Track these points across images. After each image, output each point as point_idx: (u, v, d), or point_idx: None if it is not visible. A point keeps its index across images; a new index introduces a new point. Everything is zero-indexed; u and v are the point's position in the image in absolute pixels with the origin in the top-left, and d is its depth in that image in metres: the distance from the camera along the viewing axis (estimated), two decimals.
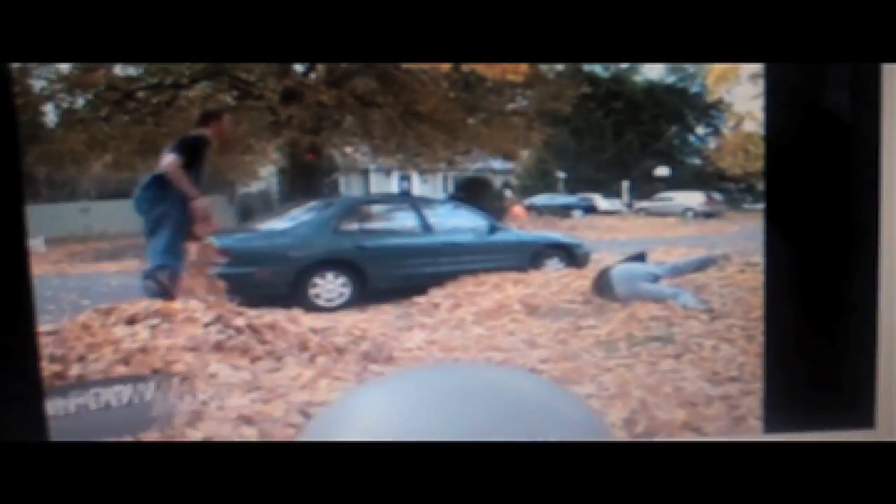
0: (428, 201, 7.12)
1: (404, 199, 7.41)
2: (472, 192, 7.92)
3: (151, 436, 3.33)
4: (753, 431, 3.10)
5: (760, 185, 3.42)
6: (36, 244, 5.81)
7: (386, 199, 7.32)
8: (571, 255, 6.12)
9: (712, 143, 8.37)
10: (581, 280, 5.61)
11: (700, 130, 8.37)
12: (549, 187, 8.46)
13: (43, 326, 3.93)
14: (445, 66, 6.76)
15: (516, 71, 6.75)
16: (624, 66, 8.10)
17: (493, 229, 6.36)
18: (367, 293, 5.55)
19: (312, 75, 6.98)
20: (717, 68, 7.81)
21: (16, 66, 5.73)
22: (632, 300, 5.02)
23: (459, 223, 6.47)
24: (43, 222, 6.32)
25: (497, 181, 8.67)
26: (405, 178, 8.15)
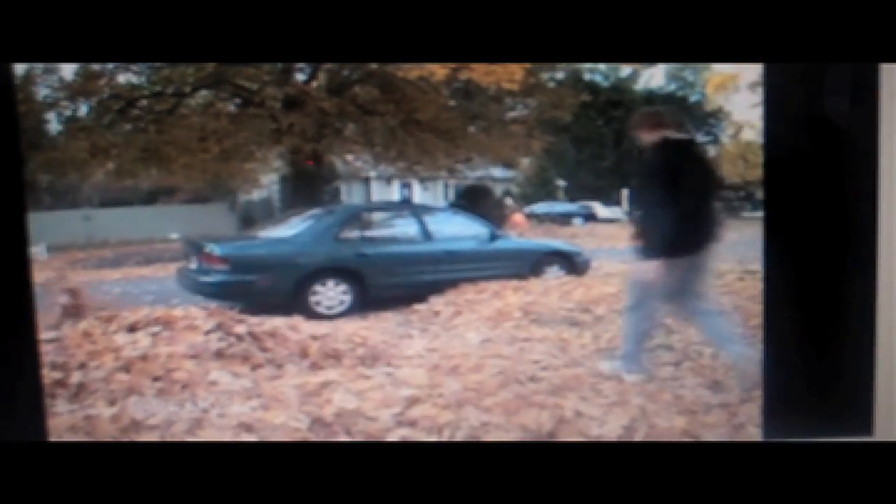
0: (429, 209, 7.13)
1: (405, 206, 7.42)
2: (472, 200, 7.93)
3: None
4: (753, 439, 3.11)
5: (759, 194, 3.43)
6: (38, 251, 5.82)
7: (387, 206, 7.33)
8: (571, 263, 6.13)
9: (711, 152, 8.41)
10: (581, 288, 5.62)
11: (699, 139, 8.41)
12: (550, 195, 8.47)
13: (44, 333, 3.94)
14: (444, 74, 6.78)
15: (512, 79, 6.76)
16: (624, 74, 8.13)
17: (493, 237, 6.37)
18: (367, 301, 5.56)
19: (314, 83, 7.00)
20: (717, 77, 7.83)
21: (19, 73, 5.75)
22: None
23: (460, 231, 6.48)
24: (45, 230, 6.34)
25: (497, 189, 8.69)
26: (406, 185, 8.17)
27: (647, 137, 4.10)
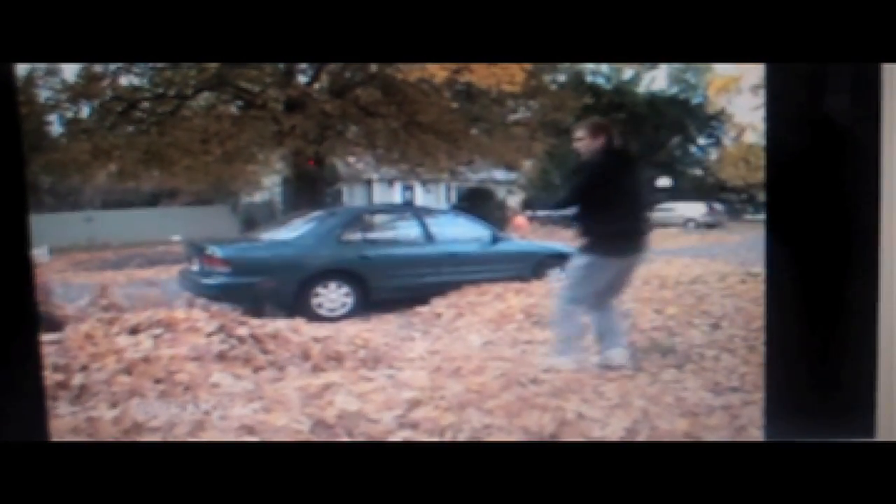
0: (430, 211, 7.13)
1: (407, 209, 7.42)
2: (474, 203, 7.93)
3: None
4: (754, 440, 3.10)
5: (761, 196, 3.43)
6: (40, 253, 5.83)
7: (389, 209, 7.33)
8: None
9: (713, 154, 8.41)
10: None
11: (701, 141, 8.40)
12: (552, 198, 8.47)
13: (46, 335, 3.94)
14: (445, 76, 6.78)
15: (512, 81, 6.76)
16: (626, 77, 8.13)
17: (495, 239, 6.36)
18: (369, 303, 5.56)
19: (316, 85, 7.00)
20: (719, 80, 7.83)
21: (21, 74, 5.75)
22: None
23: (462, 233, 6.48)
24: (47, 231, 6.35)
25: (500, 191, 8.69)
26: (408, 188, 8.17)
27: (589, 145, 4.30)
